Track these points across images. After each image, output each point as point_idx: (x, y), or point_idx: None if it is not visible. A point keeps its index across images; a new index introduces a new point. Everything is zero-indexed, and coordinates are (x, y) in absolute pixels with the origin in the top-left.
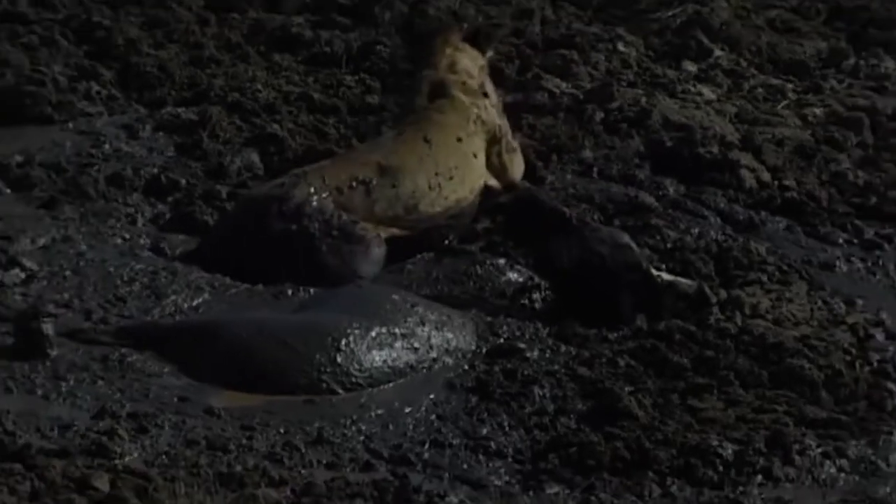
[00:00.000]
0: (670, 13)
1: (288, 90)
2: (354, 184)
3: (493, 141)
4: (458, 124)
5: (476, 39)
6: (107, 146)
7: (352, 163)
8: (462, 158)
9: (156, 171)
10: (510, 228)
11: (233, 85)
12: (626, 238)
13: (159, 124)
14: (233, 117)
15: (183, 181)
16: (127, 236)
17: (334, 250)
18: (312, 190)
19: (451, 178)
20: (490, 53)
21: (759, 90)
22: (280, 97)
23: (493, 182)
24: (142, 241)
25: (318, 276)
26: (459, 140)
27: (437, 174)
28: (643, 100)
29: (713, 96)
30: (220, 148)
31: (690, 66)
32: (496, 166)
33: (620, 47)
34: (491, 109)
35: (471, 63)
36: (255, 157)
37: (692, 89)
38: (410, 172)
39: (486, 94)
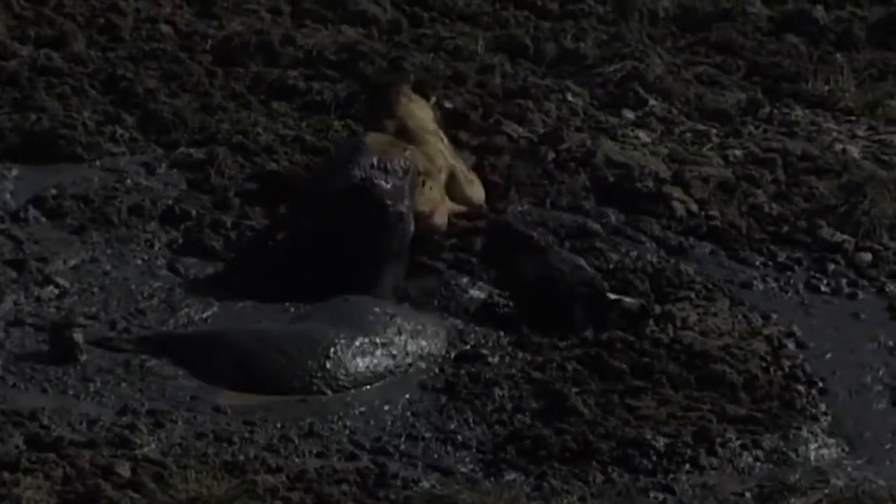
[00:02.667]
0: (612, 68)
1: (284, 133)
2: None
3: (451, 178)
4: (425, 168)
5: (421, 89)
6: (129, 181)
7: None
8: (440, 190)
9: (170, 202)
10: (486, 248)
11: (237, 129)
12: (582, 260)
13: (173, 162)
14: (237, 156)
15: (193, 211)
16: (146, 258)
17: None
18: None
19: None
20: (433, 100)
21: (688, 134)
22: (278, 139)
23: (459, 208)
24: (159, 263)
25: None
26: (440, 170)
27: (440, 190)
28: (589, 142)
29: (649, 139)
30: (225, 183)
31: (629, 114)
32: (460, 198)
33: (569, 97)
34: (446, 151)
35: (422, 111)
36: (254, 190)
37: (631, 133)
38: (436, 183)
39: (441, 139)
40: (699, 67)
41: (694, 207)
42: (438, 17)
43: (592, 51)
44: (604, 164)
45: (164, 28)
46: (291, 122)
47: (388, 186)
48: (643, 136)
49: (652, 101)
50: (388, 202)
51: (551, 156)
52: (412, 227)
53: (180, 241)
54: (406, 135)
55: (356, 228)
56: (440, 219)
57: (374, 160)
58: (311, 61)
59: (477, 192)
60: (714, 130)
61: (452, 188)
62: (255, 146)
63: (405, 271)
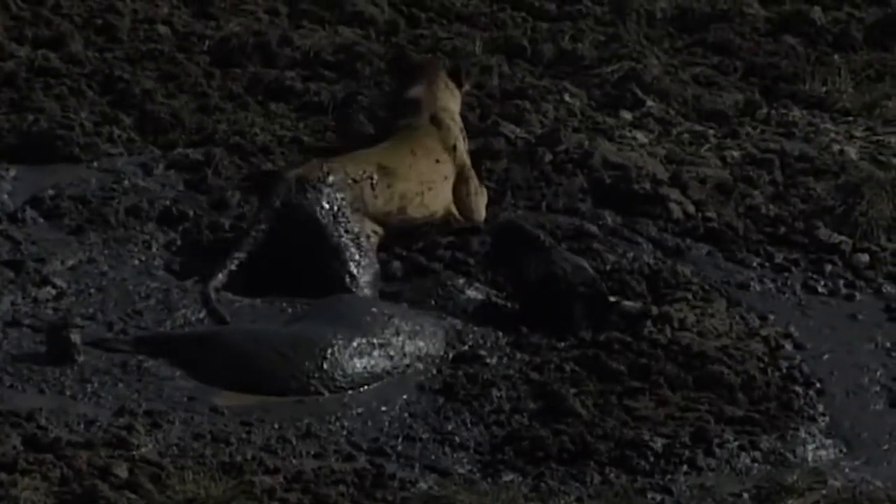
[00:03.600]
0: (609, 69)
1: (282, 134)
2: (364, 176)
3: (460, 178)
4: (439, 149)
5: (457, 75)
6: (126, 182)
7: (361, 160)
8: (438, 177)
9: (168, 203)
10: (490, 247)
11: (234, 129)
12: (585, 262)
13: (171, 163)
14: (234, 157)
15: (191, 212)
16: (143, 259)
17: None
18: (337, 176)
19: (430, 190)
20: (466, 88)
21: (685, 135)
22: (275, 140)
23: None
24: (156, 263)
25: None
26: (437, 162)
27: (421, 183)
28: (586, 143)
29: (646, 140)
30: (222, 184)
31: (626, 115)
32: (464, 205)
33: (567, 98)
34: (463, 147)
35: (454, 102)
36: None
37: (628, 134)
38: (402, 176)
39: (463, 137)
40: (696, 68)
41: (691, 209)
42: (436, 18)
43: (590, 52)
44: (601, 166)
45: (162, 29)
46: (289, 122)
47: (308, 199)
48: (641, 136)
49: (649, 102)
50: (310, 212)
51: (548, 157)
52: (360, 227)
53: (178, 242)
54: (436, 122)
55: (294, 240)
56: (421, 211)
57: (293, 182)
58: (309, 62)
59: (480, 206)
60: (711, 131)
61: (459, 192)
62: (253, 147)
63: (375, 270)
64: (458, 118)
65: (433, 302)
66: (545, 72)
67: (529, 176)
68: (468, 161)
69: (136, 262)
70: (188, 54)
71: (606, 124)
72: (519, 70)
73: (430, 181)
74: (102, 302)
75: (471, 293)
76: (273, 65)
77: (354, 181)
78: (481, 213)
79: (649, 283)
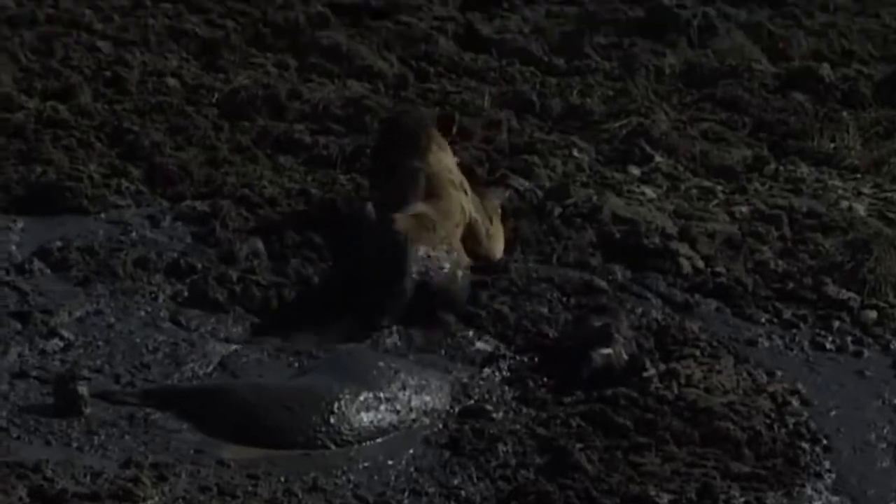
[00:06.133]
0: (618, 124)
1: (290, 187)
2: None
3: (469, 232)
4: (453, 215)
5: (446, 127)
6: (134, 234)
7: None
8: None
9: (175, 255)
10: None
11: (243, 182)
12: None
13: (179, 215)
14: (241, 209)
15: (199, 265)
16: (150, 311)
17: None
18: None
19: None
20: (454, 130)
21: (694, 191)
22: (283, 192)
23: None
24: (163, 315)
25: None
26: (457, 226)
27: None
28: (595, 198)
29: (654, 195)
30: (230, 236)
31: (635, 170)
32: (477, 254)
33: (575, 153)
34: (468, 203)
35: (450, 159)
36: (259, 245)
37: (636, 189)
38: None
39: (465, 191)
40: (705, 124)
41: (700, 264)
42: (444, 73)
43: (598, 107)
44: (610, 220)
45: (171, 81)
46: (297, 175)
47: (440, 279)
48: (649, 192)
49: (658, 158)
50: (443, 291)
51: (557, 211)
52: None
53: (185, 294)
54: (429, 184)
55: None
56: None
57: (423, 254)
58: (318, 115)
59: (496, 247)
60: (720, 187)
61: (470, 242)
62: (261, 199)
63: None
64: (459, 178)
65: (442, 352)
66: (554, 126)
67: (538, 230)
68: (476, 214)
69: (144, 313)
70: (197, 107)
71: (615, 179)
72: (528, 125)
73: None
74: (110, 354)
75: (480, 345)
76: (282, 118)
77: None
78: (497, 252)
79: (657, 339)
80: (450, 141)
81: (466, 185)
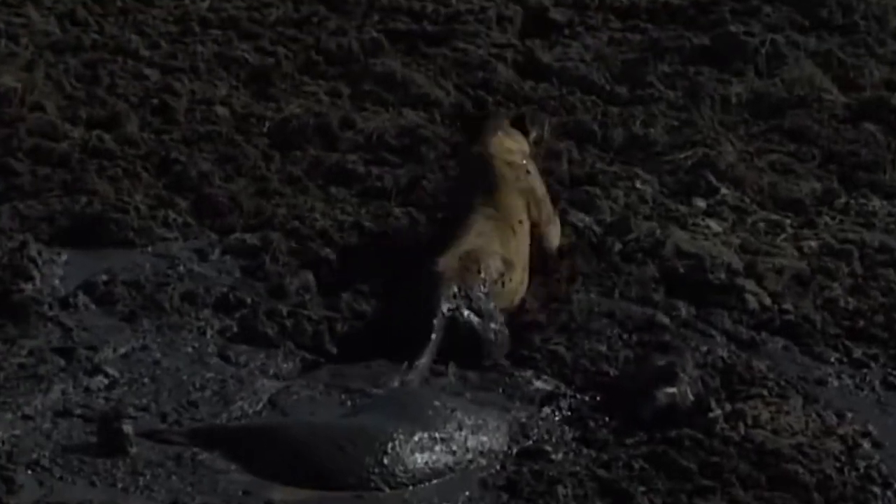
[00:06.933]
0: (682, 155)
1: (342, 219)
2: (495, 281)
3: (531, 203)
4: (520, 207)
5: (521, 123)
6: (181, 267)
7: (487, 251)
8: (527, 245)
9: (224, 289)
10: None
11: (293, 214)
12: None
13: (227, 248)
14: (292, 242)
15: (248, 299)
16: (198, 347)
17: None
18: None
19: (526, 267)
20: (534, 135)
21: (761, 224)
22: (335, 225)
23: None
24: (210, 351)
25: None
26: (521, 223)
27: (523, 269)
28: (658, 231)
29: (720, 229)
30: (280, 270)
31: (700, 203)
32: (539, 248)
33: (638, 185)
34: (529, 179)
35: (515, 144)
36: (310, 278)
37: (701, 223)
38: (518, 261)
39: (528, 171)
40: (773, 155)
41: (767, 300)
42: (503, 101)
43: (662, 137)
44: (674, 255)
45: (220, 110)
46: (350, 207)
47: (476, 318)
48: (714, 225)
49: (724, 190)
50: (479, 331)
51: (618, 246)
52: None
53: (234, 329)
54: (488, 170)
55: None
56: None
57: (454, 291)
58: (371, 145)
59: (553, 233)
60: (788, 220)
61: (534, 236)
62: (311, 232)
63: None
64: (520, 156)
65: (500, 391)
66: (616, 157)
67: (599, 265)
68: (539, 190)
69: (191, 349)
70: (247, 136)
71: (679, 212)
72: (589, 155)
73: (526, 257)
74: (156, 392)
75: (539, 384)
76: (334, 148)
77: (503, 271)
78: (553, 241)
79: (723, 379)
80: (533, 138)
81: (532, 167)
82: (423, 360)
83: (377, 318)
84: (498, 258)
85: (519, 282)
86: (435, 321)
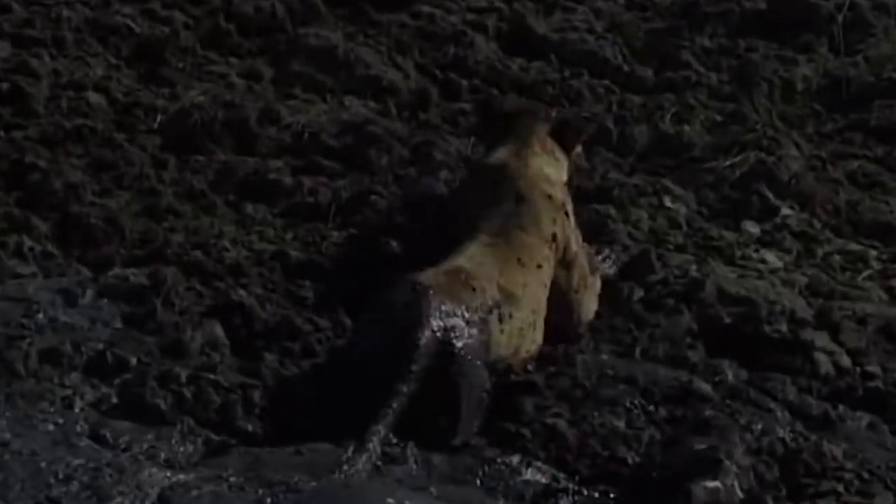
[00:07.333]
0: (728, 162)
1: (261, 248)
2: (492, 308)
3: (563, 264)
4: (539, 247)
5: (563, 134)
6: (40, 315)
7: (483, 277)
8: (543, 291)
9: (100, 346)
10: None
11: (194, 241)
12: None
13: (104, 289)
14: (192, 281)
15: (133, 360)
16: (62, 422)
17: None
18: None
19: (539, 317)
20: (575, 154)
21: (836, 257)
22: (252, 257)
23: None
24: (80, 430)
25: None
26: (539, 267)
27: (533, 312)
28: (695, 268)
29: (780, 264)
30: (177, 319)
31: (752, 228)
32: (564, 303)
33: (668, 203)
34: (566, 226)
35: (555, 170)
36: (219, 331)
37: (754, 255)
38: (525, 299)
39: (566, 213)
40: (853, 162)
41: (845, 361)
42: (482, 87)
43: (701, 137)
44: (716, 300)
45: (94, 97)
46: (272, 232)
47: (463, 340)
48: (772, 258)
49: (785, 210)
50: (465, 356)
51: (639, 293)
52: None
53: (112, 400)
54: (519, 199)
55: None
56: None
57: (441, 308)
58: (302, 148)
59: (588, 302)
60: (874, 252)
61: (558, 285)
62: (219, 267)
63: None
64: (560, 190)
65: (478, 482)
66: (637, 165)
67: (614, 315)
68: (575, 245)
69: (52, 427)
70: (130, 134)
71: (724, 240)
72: (600, 161)
73: (539, 302)
74: (4, 485)
75: (530, 474)
76: (251, 151)
77: (504, 304)
78: (591, 312)
79: (783, 468)
80: (574, 158)
81: (569, 208)
82: (380, 432)
83: (311, 376)
84: (494, 285)
85: (526, 324)
86: (420, 342)
